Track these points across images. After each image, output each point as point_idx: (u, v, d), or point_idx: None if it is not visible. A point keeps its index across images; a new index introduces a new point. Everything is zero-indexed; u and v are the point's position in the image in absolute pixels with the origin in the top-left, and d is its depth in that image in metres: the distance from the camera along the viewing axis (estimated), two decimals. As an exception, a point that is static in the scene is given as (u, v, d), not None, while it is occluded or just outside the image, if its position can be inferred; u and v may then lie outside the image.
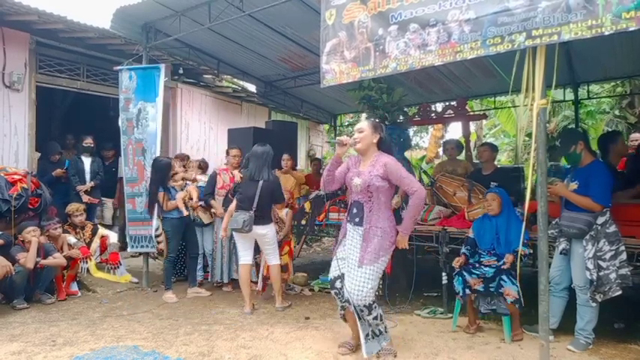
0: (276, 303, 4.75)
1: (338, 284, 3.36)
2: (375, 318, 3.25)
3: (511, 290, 3.64)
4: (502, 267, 3.76)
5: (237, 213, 4.55)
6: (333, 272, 3.42)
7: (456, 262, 4.00)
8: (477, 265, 3.96)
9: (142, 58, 5.93)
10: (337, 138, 3.37)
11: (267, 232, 4.61)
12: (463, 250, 4.14)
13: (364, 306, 3.18)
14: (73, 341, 3.72)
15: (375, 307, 3.24)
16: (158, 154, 5.48)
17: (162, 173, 5.18)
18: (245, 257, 4.70)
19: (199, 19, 5.45)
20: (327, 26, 3.84)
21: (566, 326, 3.77)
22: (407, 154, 6.75)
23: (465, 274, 3.89)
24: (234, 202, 4.72)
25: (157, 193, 5.14)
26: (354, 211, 3.34)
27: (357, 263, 3.20)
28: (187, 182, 5.59)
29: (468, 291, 3.85)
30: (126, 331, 4.01)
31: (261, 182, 4.56)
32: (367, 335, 3.28)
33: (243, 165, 5.25)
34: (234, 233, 4.68)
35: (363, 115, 3.31)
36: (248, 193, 4.56)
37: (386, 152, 3.37)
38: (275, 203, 4.85)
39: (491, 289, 3.74)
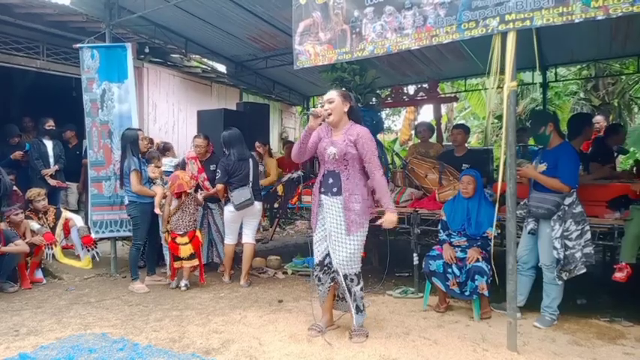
0: (241, 281, 4.99)
1: (328, 260, 3.37)
2: (361, 289, 3.36)
3: (484, 283, 3.69)
4: (469, 261, 3.75)
5: (238, 190, 4.82)
6: (321, 253, 3.39)
7: (451, 259, 3.81)
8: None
9: (104, 36, 5.67)
10: (311, 109, 3.32)
11: (260, 208, 5.12)
12: (443, 236, 4.06)
13: (355, 274, 3.28)
14: (38, 330, 3.60)
15: (361, 276, 3.34)
16: None
17: (128, 144, 4.91)
18: (232, 239, 5.08)
19: (165, -5, 5.26)
20: (300, 5, 3.76)
21: (531, 303, 3.88)
22: (380, 136, 6.75)
23: (446, 267, 3.85)
24: (221, 185, 4.94)
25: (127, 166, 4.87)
26: (330, 181, 3.30)
27: (344, 232, 3.22)
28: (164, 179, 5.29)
29: (442, 286, 3.89)
30: (94, 318, 3.91)
31: (251, 160, 5.01)
32: (356, 308, 3.34)
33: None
34: (227, 213, 4.97)
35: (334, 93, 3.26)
36: (242, 172, 4.90)
37: (356, 121, 3.36)
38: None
39: (466, 294, 3.79)
